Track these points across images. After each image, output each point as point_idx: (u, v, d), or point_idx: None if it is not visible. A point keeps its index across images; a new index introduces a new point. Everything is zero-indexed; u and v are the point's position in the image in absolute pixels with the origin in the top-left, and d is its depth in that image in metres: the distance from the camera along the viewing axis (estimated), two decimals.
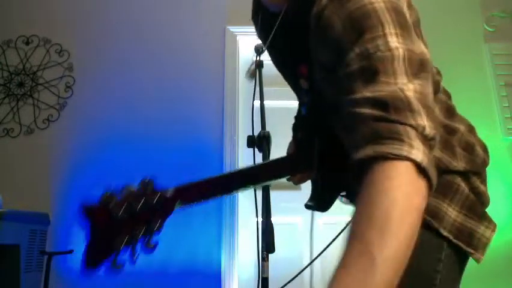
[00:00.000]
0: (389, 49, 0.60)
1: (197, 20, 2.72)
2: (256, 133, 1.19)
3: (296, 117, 1.10)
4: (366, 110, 0.59)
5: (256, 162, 1.00)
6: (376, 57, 0.60)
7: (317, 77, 0.77)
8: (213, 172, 2.73)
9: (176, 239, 2.29)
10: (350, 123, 0.62)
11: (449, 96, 0.97)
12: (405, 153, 0.54)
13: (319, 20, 0.68)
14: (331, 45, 0.67)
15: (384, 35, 0.61)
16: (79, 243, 2.33)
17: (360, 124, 0.60)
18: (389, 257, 0.50)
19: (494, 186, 2.41)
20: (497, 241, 2.52)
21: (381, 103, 0.58)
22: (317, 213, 2.49)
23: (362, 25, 0.63)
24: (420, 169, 0.55)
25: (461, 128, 0.85)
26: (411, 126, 0.56)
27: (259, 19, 1.02)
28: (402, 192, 0.54)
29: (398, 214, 0.52)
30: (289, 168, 0.97)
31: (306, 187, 2.26)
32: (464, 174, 0.79)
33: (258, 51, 1.36)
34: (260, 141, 1.14)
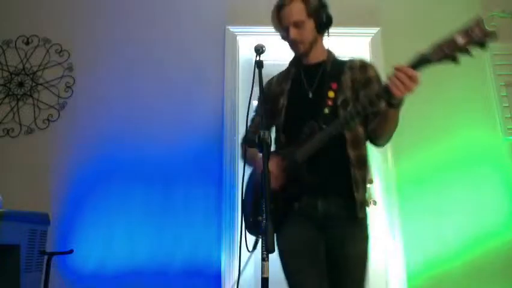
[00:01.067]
0: None
1: (197, 20, 2.72)
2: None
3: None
4: None
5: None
6: None
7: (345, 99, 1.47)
8: (213, 172, 2.72)
9: (176, 239, 2.30)
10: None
11: None
12: None
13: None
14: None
15: None
16: (79, 243, 2.35)
17: None
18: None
19: (494, 186, 2.42)
20: (497, 241, 2.52)
21: None
22: None
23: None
24: None
25: None
26: None
27: (300, 73, 1.55)
28: None
29: None
30: None
31: None
32: None
33: (258, 51, 1.37)
34: (260, 141, 1.15)
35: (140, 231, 2.30)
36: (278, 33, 1.63)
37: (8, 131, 2.49)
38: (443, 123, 2.54)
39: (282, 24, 1.56)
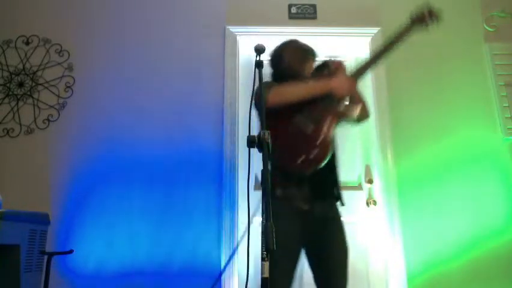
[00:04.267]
0: None
1: (197, 20, 2.72)
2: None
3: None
4: None
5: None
6: None
7: None
8: (213, 172, 2.72)
9: (176, 238, 2.30)
10: None
11: None
12: None
13: None
14: None
15: None
16: (79, 243, 2.35)
17: None
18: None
19: (494, 186, 2.42)
20: (497, 241, 2.53)
21: None
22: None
23: None
24: None
25: None
26: None
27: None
28: None
29: None
30: None
31: None
32: None
33: (258, 51, 1.37)
34: (260, 141, 1.14)
35: (141, 231, 2.30)
36: (272, 69, 1.83)
37: (8, 131, 2.49)
38: (443, 123, 2.54)
39: (303, 69, 1.79)
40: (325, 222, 1.57)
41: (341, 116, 1.65)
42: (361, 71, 1.66)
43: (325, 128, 1.56)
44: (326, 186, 1.62)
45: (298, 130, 1.56)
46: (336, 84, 1.59)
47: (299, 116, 1.58)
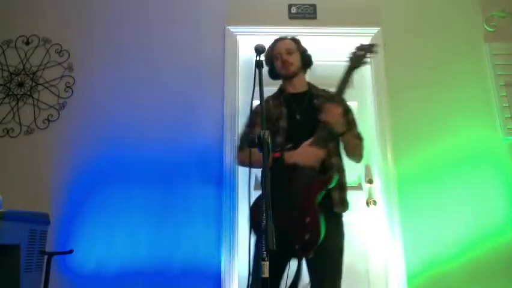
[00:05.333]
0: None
1: (197, 20, 2.72)
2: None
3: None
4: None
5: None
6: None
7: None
8: (213, 172, 2.72)
9: (176, 239, 2.30)
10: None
11: None
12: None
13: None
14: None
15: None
16: (79, 243, 2.35)
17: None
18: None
19: (494, 186, 2.42)
20: (497, 241, 2.52)
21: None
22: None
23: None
24: None
25: None
26: None
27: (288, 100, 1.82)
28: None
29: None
30: None
31: None
32: None
33: (258, 51, 1.37)
34: (260, 141, 1.15)
35: (141, 231, 2.30)
36: (267, 66, 1.92)
37: (8, 131, 2.49)
38: (443, 123, 2.55)
39: (274, 52, 1.88)
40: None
41: (323, 185, 1.59)
42: (328, 138, 1.64)
43: (308, 206, 1.53)
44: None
45: (286, 220, 1.50)
46: (297, 158, 1.60)
47: (281, 205, 1.49)
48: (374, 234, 2.42)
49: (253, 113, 1.79)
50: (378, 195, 2.45)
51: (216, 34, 2.67)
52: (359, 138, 1.82)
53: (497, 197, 2.42)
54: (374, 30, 2.72)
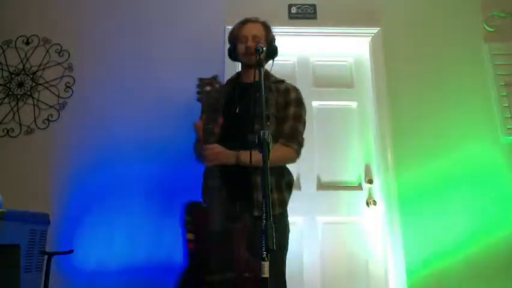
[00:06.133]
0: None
1: (197, 19, 2.72)
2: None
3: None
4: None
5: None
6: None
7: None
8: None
9: (176, 238, 2.29)
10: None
11: None
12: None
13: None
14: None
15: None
16: (79, 243, 2.34)
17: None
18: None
19: (494, 186, 2.42)
20: (497, 241, 2.52)
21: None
22: (318, 213, 2.49)
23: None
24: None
25: None
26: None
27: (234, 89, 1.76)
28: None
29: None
30: None
31: (307, 187, 2.28)
32: None
33: (258, 51, 1.37)
34: (260, 141, 1.14)
35: (141, 231, 2.30)
36: (229, 45, 1.84)
37: (8, 131, 2.49)
38: (442, 122, 2.54)
39: (241, 33, 1.75)
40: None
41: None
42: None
43: (238, 251, 1.48)
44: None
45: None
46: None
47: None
48: (374, 234, 2.42)
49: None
50: (378, 195, 2.45)
51: (216, 34, 2.67)
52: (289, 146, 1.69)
53: (496, 197, 2.42)
54: (374, 30, 2.72)
